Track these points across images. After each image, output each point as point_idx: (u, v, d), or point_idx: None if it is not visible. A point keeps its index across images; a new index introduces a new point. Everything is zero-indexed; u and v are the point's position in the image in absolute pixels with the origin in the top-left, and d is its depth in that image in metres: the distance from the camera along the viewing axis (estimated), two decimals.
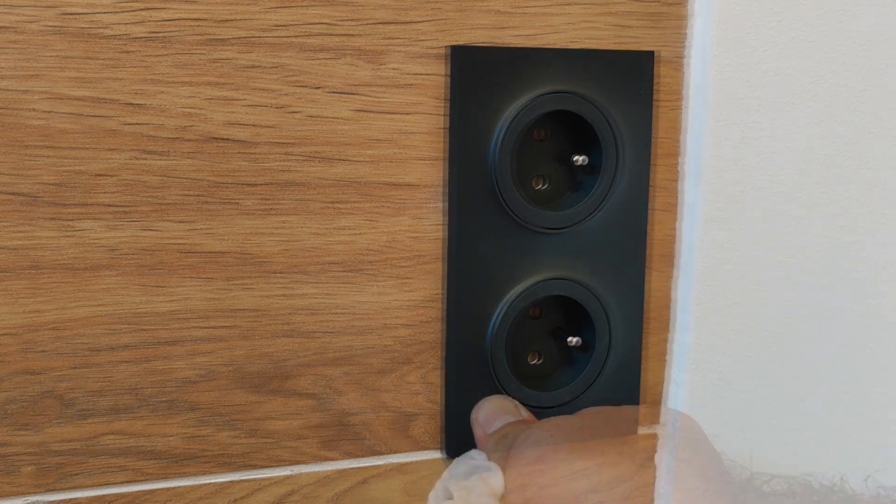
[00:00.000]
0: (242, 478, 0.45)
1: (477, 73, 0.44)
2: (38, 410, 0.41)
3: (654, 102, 0.48)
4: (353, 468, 0.46)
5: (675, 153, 0.49)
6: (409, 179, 0.45)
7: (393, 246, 0.45)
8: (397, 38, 0.43)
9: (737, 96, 0.49)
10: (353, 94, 0.43)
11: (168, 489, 0.44)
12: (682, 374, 0.51)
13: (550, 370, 0.49)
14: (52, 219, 0.40)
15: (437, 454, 0.47)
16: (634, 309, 0.49)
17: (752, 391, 0.52)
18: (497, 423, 0.45)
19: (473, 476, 0.42)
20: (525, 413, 0.46)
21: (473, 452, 0.45)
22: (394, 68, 0.43)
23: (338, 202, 0.44)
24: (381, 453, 0.47)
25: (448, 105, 0.44)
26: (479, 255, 0.46)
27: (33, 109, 0.39)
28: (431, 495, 0.43)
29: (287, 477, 0.45)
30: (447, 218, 0.45)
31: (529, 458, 0.42)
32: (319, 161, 0.43)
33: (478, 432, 0.46)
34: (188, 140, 0.41)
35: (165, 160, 0.41)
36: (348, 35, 0.42)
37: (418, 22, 0.43)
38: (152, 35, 0.40)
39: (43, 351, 0.41)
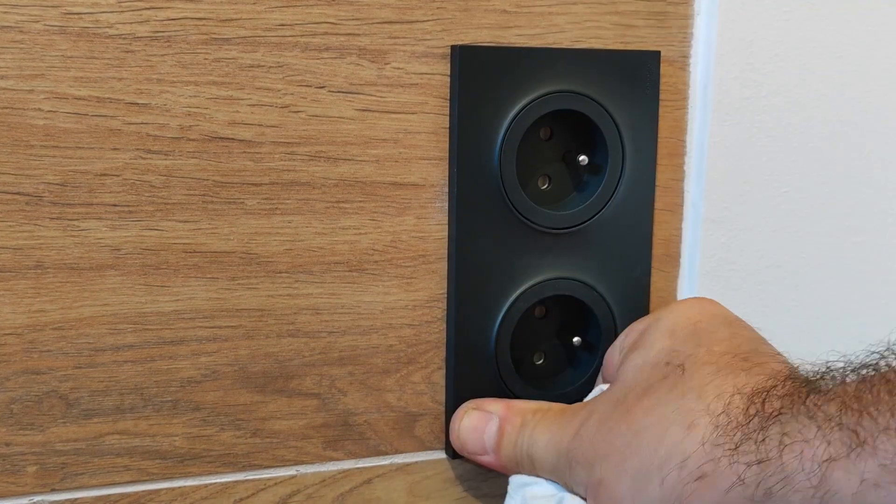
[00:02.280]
0: (246, 478, 0.45)
1: (481, 73, 0.44)
2: (41, 410, 0.41)
3: (658, 102, 0.48)
4: (357, 468, 0.46)
5: (679, 153, 0.49)
6: (412, 179, 0.45)
7: (397, 246, 0.45)
8: (401, 38, 0.43)
9: (741, 96, 0.49)
10: (356, 93, 0.43)
11: (172, 489, 0.44)
12: None
13: (555, 370, 0.49)
14: (55, 218, 0.40)
15: (441, 454, 0.47)
16: (638, 309, 0.49)
17: None
18: (488, 442, 0.44)
19: None
20: (494, 406, 0.44)
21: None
22: (397, 68, 0.43)
23: (342, 202, 0.44)
24: (385, 453, 0.47)
25: (452, 104, 0.44)
26: (483, 254, 0.45)
27: (37, 109, 0.39)
28: None
29: (291, 477, 0.45)
30: (451, 217, 0.45)
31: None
32: (323, 161, 0.43)
33: (484, 461, 0.44)
34: (192, 140, 0.41)
35: (169, 160, 0.41)
36: (352, 34, 0.42)
37: (422, 21, 0.43)
38: (155, 34, 0.40)
39: (47, 351, 0.41)
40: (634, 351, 0.41)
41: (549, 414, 0.42)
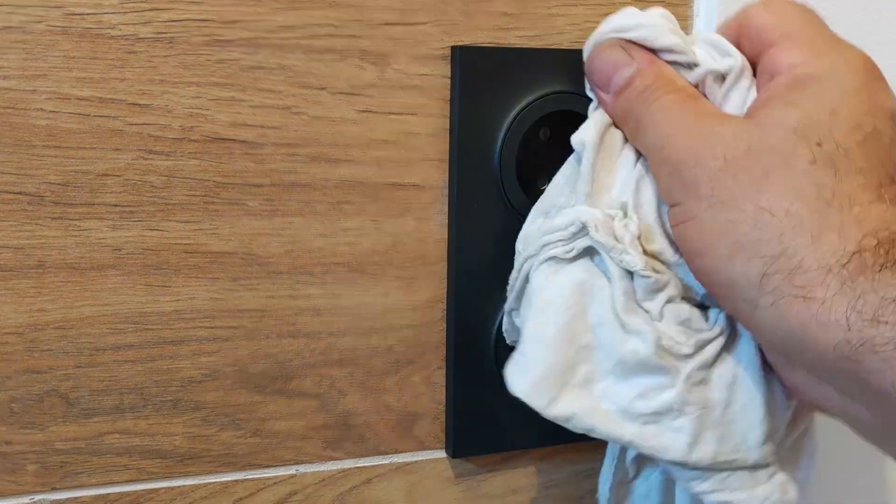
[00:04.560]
0: (246, 477, 0.45)
1: (481, 74, 0.44)
2: (42, 409, 0.41)
3: None
4: (356, 468, 0.46)
5: None
6: (413, 180, 0.45)
7: (397, 247, 0.45)
8: (402, 40, 0.43)
9: None
10: (358, 95, 0.43)
11: (171, 488, 0.44)
12: None
13: None
14: (57, 218, 0.40)
15: (441, 454, 0.48)
16: None
17: None
18: (615, 80, 0.40)
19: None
20: (638, 56, 0.40)
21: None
22: (399, 70, 0.43)
23: (342, 203, 0.44)
24: (384, 454, 0.47)
25: (452, 106, 0.44)
26: (483, 255, 0.46)
27: (39, 109, 0.39)
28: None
29: (290, 477, 0.45)
30: (451, 219, 0.45)
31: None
32: (324, 162, 0.43)
33: (602, 97, 0.41)
34: (193, 140, 0.41)
35: (170, 160, 0.41)
36: (353, 36, 0.43)
37: (423, 23, 0.43)
38: (158, 35, 0.40)
39: (47, 350, 0.41)
40: (787, 105, 0.36)
41: (680, 94, 0.39)
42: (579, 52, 0.46)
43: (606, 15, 0.46)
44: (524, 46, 0.45)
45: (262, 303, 0.44)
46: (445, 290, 0.46)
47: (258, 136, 0.42)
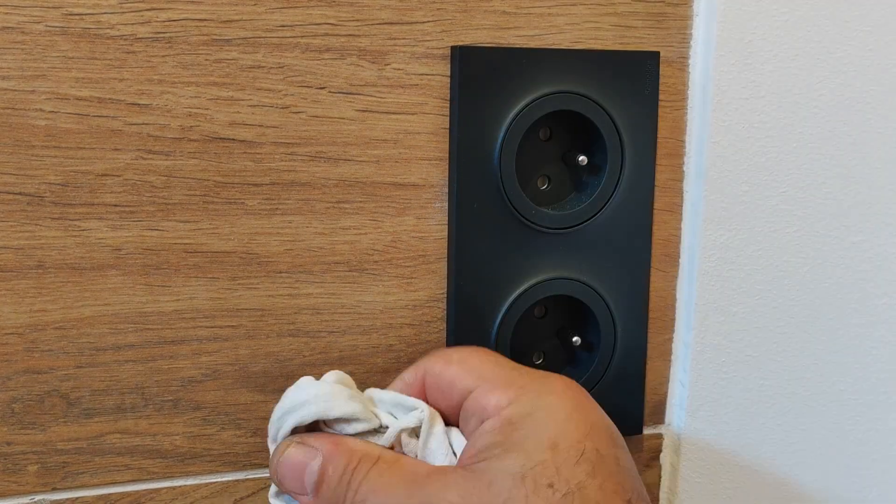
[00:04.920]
0: (246, 477, 0.45)
1: (480, 74, 0.44)
2: (43, 409, 0.41)
3: (658, 103, 0.48)
4: None
5: (678, 153, 0.49)
6: (412, 179, 0.45)
7: (397, 246, 0.45)
8: (401, 39, 0.43)
9: (740, 97, 0.49)
10: (357, 94, 0.43)
11: (172, 488, 0.44)
12: (686, 374, 0.51)
13: (554, 369, 0.49)
14: (56, 219, 0.40)
15: None
16: (638, 309, 0.49)
17: (754, 391, 0.52)
18: (307, 481, 0.37)
19: None
20: (319, 443, 0.38)
21: None
22: (398, 68, 0.43)
23: (342, 202, 0.44)
24: None
25: (452, 105, 0.44)
26: (483, 254, 0.46)
27: (38, 109, 0.39)
28: None
29: None
30: (451, 218, 0.45)
31: None
32: (323, 161, 0.43)
33: (304, 502, 0.38)
34: (192, 140, 0.41)
35: (170, 160, 0.41)
36: (352, 35, 0.43)
37: (422, 22, 0.43)
38: (157, 35, 0.40)
39: (48, 350, 0.41)
40: (506, 451, 0.35)
41: (381, 466, 0.37)
42: (579, 51, 0.46)
43: (605, 14, 0.46)
44: (523, 46, 0.45)
45: (261, 302, 0.44)
46: (445, 288, 0.46)
47: (257, 136, 0.42)
